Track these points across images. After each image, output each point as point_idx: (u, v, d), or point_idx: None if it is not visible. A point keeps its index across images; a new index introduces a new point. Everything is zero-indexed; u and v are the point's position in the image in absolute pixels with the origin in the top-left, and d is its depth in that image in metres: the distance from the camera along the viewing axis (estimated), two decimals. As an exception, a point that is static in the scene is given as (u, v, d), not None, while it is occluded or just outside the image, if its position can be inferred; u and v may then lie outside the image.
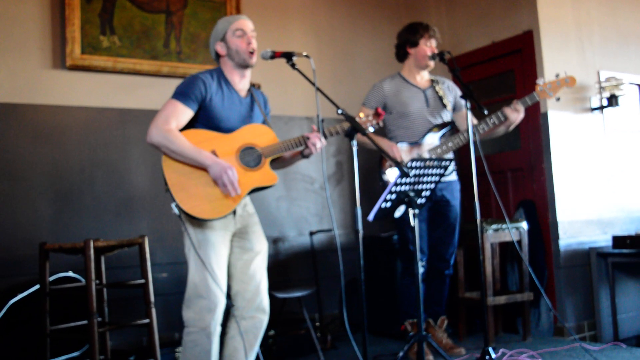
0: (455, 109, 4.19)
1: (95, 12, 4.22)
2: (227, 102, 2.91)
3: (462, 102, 4.17)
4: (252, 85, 3.10)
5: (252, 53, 2.93)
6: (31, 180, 3.97)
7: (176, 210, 2.75)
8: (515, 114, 3.81)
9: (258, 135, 2.96)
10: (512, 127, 3.92)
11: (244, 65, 2.95)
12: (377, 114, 3.11)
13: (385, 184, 3.90)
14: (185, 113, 2.80)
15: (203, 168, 2.77)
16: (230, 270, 2.94)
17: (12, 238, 3.87)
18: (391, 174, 3.92)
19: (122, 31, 4.31)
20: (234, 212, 2.91)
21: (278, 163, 3.12)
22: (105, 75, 4.27)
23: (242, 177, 2.85)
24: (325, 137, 3.03)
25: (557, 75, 3.77)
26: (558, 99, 3.85)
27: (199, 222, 2.79)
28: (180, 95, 2.81)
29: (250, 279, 2.95)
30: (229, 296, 2.92)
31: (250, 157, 2.90)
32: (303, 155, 3.07)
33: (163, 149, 2.75)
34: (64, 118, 4.12)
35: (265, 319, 3.00)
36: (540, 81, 3.78)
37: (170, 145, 2.72)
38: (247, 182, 2.86)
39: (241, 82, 3.00)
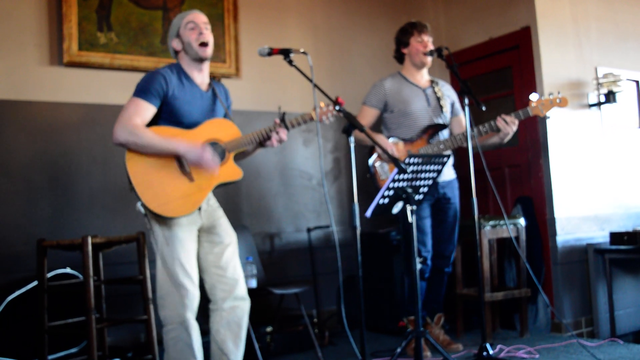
0: (452, 113, 4.19)
1: (92, 9, 4.21)
2: (188, 96, 2.90)
3: (459, 108, 4.19)
4: (213, 78, 3.08)
5: (203, 45, 2.91)
6: (28, 176, 3.97)
7: (142, 210, 2.77)
8: (508, 126, 3.80)
9: (221, 129, 2.96)
10: (506, 140, 3.90)
11: (198, 59, 2.93)
12: (336, 103, 3.08)
13: (372, 174, 3.92)
14: (148, 110, 2.80)
15: (167, 164, 2.78)
16: (202, 265, 2.95)
17: (10, 234, 3.87)
18: (378, 163, 3.94)
19: (119, 28, 4.31)
20: (199, 208, 2.91)
21: (240, 156, 3.12)
22: (102, 72, 4.26)
23: (207, 172, 2.85)
24: (288, 129, 3.05)
25: (550, 94, 3.80)
26: (548, 117, 3.90)
27: (165, 220, 2.79)
28: (142, 92, 2.80)
29: (224, 271, 2.95)
30: (203, 290, 2.93)
31: (214, 152, 2.88)
32: (262, 145, 3.09)
33: (131, 145, 2.74)
34: (61, 114, 4.11)
35: (246, 305, 3.00)
36: (534, 97, 3.81)
37: (138, 140, 2.72)
38: (212, 177, 2.86)
39: (200, 76, 2.99)
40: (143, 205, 2.74)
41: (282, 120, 3.04)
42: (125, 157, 2.76)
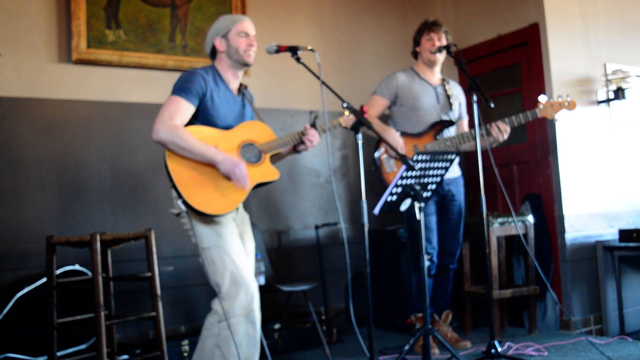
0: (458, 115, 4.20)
1: (100, 6, 4.22)
2: (223, 99, 2.93)
3: (464, 111, 4.24)
4: (241, 85, 3.12)
5: (249, 55, 2.95)
6: (38, 173, 3.98)
7: (182, 207, 2.75)
8: (500, 133, 3.81)
9: (256, 131, 3.00)
10: (494, 145, 3.92)
11: (242, 64, 2.97)
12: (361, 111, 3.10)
13: (377, 167, 3.93)
14: (188, 109, 2.81)
15: (209, 164, 2.79)
16: None
17: (19, 231, 3.88)
18: (384, 157, 3.94)
19: (127, 25, 4.32)
20: (236, 209, 2.94)
21: (274, 158, 3.15)
22: (110, 69, 4.27)
23: (236, 183, 2.86)
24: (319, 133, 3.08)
25: (559, 97, 3.79)
26: (556, 120, 3.90)
27: (209, 217, 2.80)
28: (182, 91, 2.81)
29: None
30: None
31: (250, 153, 2.93)
32: (296, 150, 3.12)
33: (170, 145, 2.75)
34: (70, 112, 4.12)
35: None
36: (542, 99, 3.81)
37: (179, 141, 2.73)
38: (251, 177, 2.87)
39: (235, 81, 3.03)
40: (184, 202, 2.73)
41: (313, 124, 3.08)
42: (165, 155, 2.77)
